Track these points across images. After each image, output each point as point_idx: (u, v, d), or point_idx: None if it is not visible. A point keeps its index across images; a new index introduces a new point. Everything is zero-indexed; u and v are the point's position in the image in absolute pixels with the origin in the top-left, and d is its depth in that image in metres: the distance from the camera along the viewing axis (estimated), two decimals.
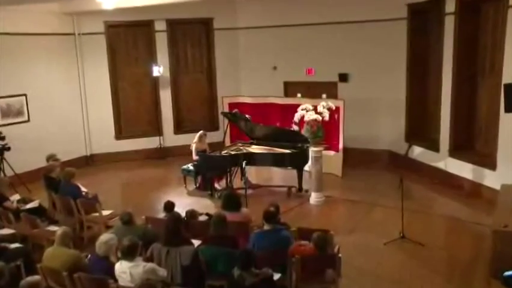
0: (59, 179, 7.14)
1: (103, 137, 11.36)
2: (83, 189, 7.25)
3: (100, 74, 11.21)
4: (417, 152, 9.60)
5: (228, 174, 8.64)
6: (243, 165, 7.53)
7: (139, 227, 5.44)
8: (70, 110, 10.89)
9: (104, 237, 4.57)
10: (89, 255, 4.84)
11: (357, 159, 10.13)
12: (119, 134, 11.65)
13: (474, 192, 8.08)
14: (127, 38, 11.55)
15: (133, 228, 5.22)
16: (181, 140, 11.47)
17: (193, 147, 9.07)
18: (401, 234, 6.39)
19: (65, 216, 6.78)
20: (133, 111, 11.76)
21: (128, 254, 4.33)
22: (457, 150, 8.64)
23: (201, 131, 9.26)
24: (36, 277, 4.19)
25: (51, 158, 7.64)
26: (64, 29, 10.65)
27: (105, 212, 6.80)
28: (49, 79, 10.32)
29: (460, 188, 8.36)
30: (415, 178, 8.88)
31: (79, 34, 10.88)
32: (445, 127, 8.82)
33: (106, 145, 11.39)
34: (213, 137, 10.28)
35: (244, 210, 5.81)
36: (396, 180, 6.53)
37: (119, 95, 11.59)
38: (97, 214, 6.66)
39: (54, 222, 6.52)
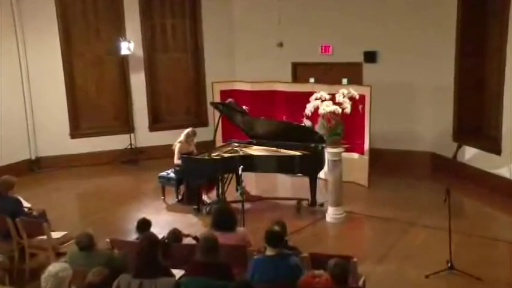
0: None
1: (54, 135, 11.32)
2: (25, 203, 7.19)
3: (48, 51, 11.15)
4: (470, 154, 9.57)
5: (220, 182, 8.63)
6: (239, 172, 7.52)
7: (101, 253, 5.40)
8: (7, 99, 10.77)
9: (54, 268, 4.48)
10: None
11: (388, 163, 10.12)
12: (76, 131, 11.64)
13: None
14: (85, 3, 11.52)
15: (93, 255, 5.18)
16: (158, 138, 11.47)
17: (177, 147, 9.05)
18: (449, 264, 6.34)
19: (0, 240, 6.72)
20: (94, 100, 11.76)
21: None
22: None
23: (190, 129, 9.26)
24: None
25: None
26: None
27: (55, 234, 6.74)
28: None
29: None
30: (467, 189, 8.87)
31: None
32: (509, 121, 8.79)
33: (57, 145, 11.35)
34: (201, 134, 10.24)
35: (240, 230, 5.81)
36: (442, 191, 6.49)
37: (75, 79, 11.59)
38: (44, 237, 6.59)
39: None
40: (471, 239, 7.22)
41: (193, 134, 9.20)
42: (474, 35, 9.70)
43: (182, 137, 9.12)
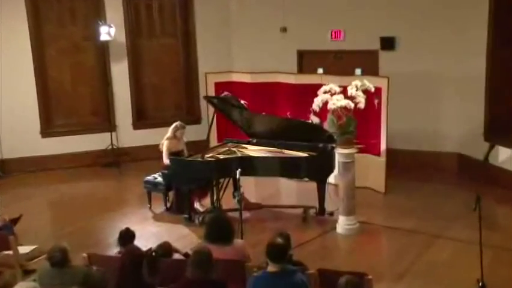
0: None
1: (22, 134, 11.35)
2: None
3: (15, 37, 11.17)
4: (505, 156, 9.57)
5: (215, 188, 8.67)
6: (237, 176, 7.51)
7: (77, 270, 5.41)
8: None
9: (21, 287, 4.50)
10: None
11: (408, 166, 10.16)
12: (48, 129, 11.67)
13: None
14: None
15: (68, 273, 5.18)
16: (143, 137, 11.54)
17: (164, 146, 9.06)
18: (480, 284, 6.30)
19: None
20: (69, 93, 11.79)
21: None
22: None
23: (177, 123, 9.28)
24: None
25: None
26: None
27: (23, 249, 6.74)
28: None
29: None
30: (501, 196, 8.86)
31: None
32: None
33: (26, 146, 11.37)
34: (193, 133, 10.27)
35: (238, 242, 5.82)
36: (471, 199, 6.48)
37: (47, 70, 11.62)
38: (10, 252, 6.58)
39: None
40: (506, 254, 7.18)
41: (182, 127, 9.20)
42: (510, 18, 9.67)
43: (169, 132, 9.14)
